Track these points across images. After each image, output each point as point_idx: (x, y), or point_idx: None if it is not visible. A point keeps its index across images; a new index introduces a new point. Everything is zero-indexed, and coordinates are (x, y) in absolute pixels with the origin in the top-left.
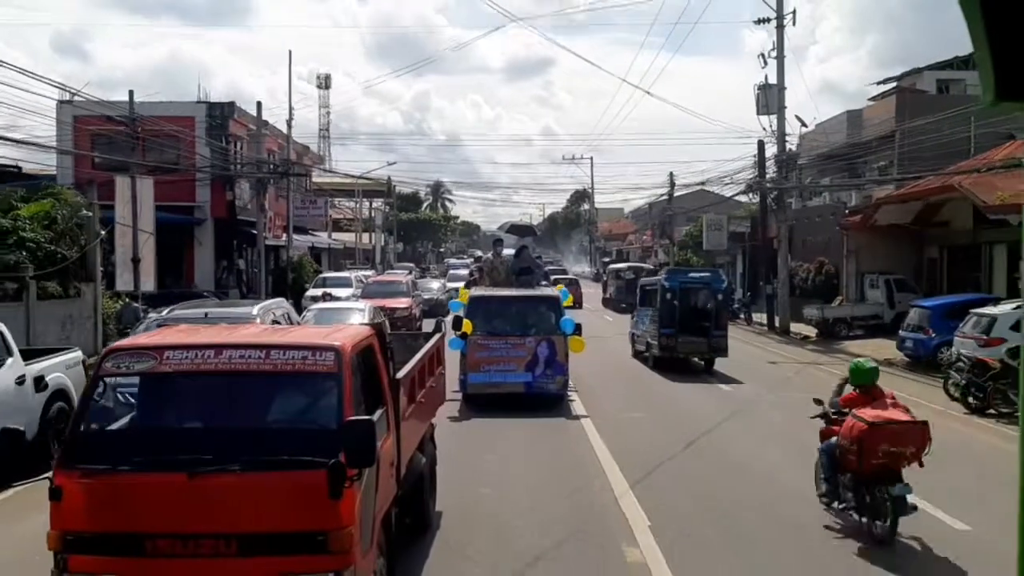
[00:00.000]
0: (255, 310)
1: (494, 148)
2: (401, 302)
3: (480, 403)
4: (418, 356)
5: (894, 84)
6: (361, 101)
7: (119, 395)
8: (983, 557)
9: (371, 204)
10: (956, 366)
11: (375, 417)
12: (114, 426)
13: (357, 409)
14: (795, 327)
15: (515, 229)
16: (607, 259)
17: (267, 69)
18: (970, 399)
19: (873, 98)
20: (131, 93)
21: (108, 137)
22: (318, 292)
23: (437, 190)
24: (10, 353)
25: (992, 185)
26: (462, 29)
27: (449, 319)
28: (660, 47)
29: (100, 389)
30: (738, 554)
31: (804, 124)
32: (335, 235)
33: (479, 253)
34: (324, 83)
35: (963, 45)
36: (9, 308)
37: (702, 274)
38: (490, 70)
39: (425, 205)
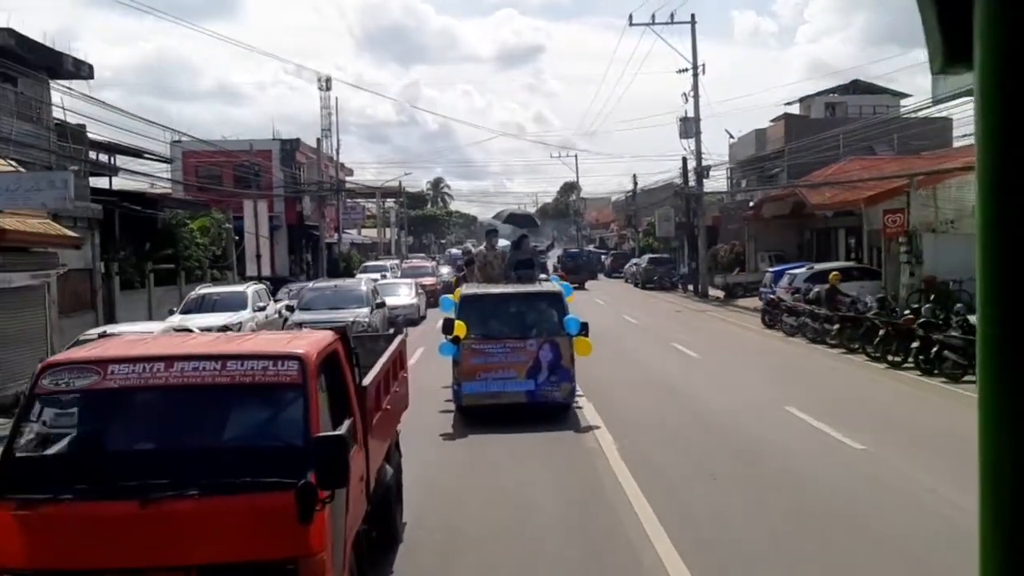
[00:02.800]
0: (363, 284)
1: (486, 136)
2: (428, 280)
3: (476, 416)
4: (383, 360)
5: (784, 112)
6: (351, 93)
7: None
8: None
9: (384, 203)
10: (767, 303)
11: (343, 429)
12: (52, 450)
13: (324, 423)
14: (712, 292)
15: (514, 218)
16: (591, 245)
17: (254, 62)
18: (767, 320)
19: (773, 119)
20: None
21: (208, 167)
22: (368, 276)
23: (437, 186)
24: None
25: (821, 192)
26: (451, 17)
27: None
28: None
29: (36, 409)
30: None
31: (731, 136)
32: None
33: (469, 245)
34: (325, 85)
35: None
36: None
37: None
38: (480, 59)
39: (429, 204)
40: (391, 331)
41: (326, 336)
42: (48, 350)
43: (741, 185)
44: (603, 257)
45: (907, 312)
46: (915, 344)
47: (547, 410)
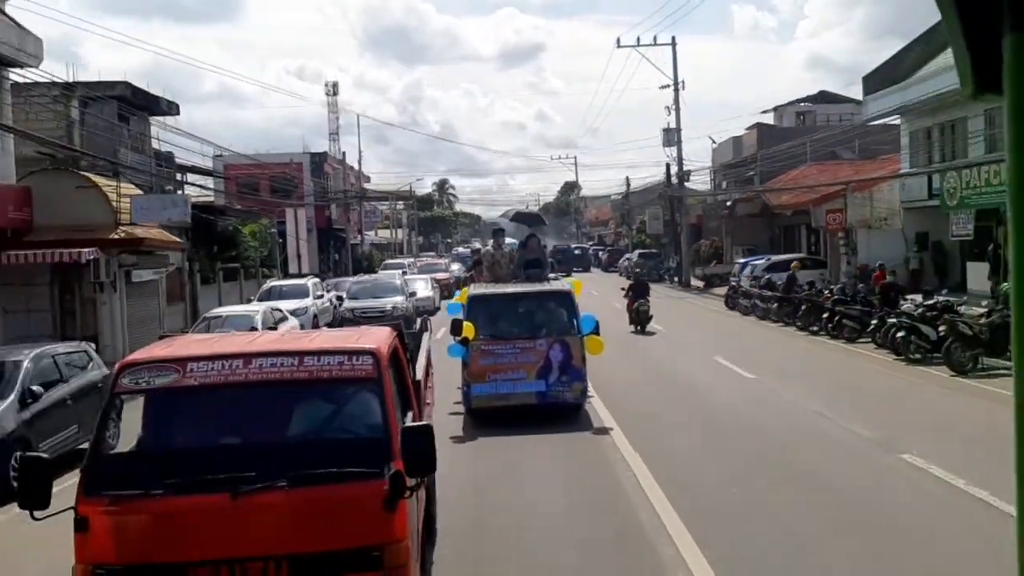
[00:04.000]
0: (396, 278)
1: (488, 135)
2: (441, 275)
3: (486, 418)
4: (423, 355)
5: (757, 118)
6: (353, 93)
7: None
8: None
9: (397, 206)
10: (729, 289)
11: (408, 420)
12: (139, 447)
13: (398, 414)
14: (694, 282)
15: (521, 217)
16: (590, 242)
17: (257, 65)
18: (728, 303)
19: (748, 127)
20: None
21: (246, 178)
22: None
23: (443, 187)
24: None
25: (779, 195)
26: (452, 16)
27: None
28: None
29: (118, 407)
30: None
31: (713, 141)
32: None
33: (477, 244)
34: (332, 90)
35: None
36: (231, 285)
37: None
38: (481, 58)
39: (435, 206)
40: (417, 327)
41: (387, 332)
42: (160, 329)
43: (722, 186)
44: (600, 252)
45: (831, 293)
46: (825, 315)
47: (559, 411)
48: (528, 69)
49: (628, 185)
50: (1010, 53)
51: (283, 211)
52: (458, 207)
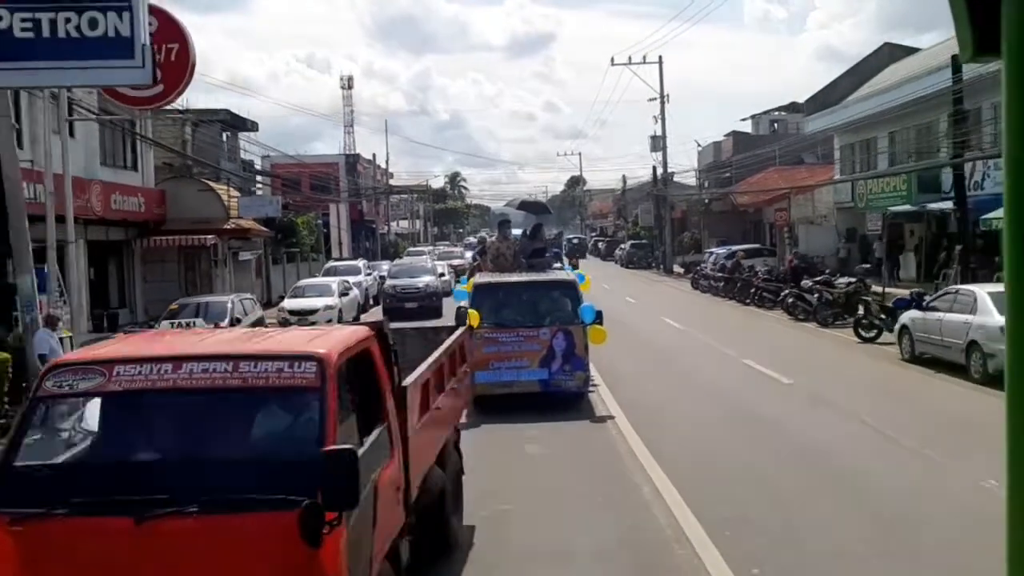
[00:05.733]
0: (428, 261)
1: (497, 125)
2: (457, 262)
3: (489, 406)
4: (434, 356)
5: (736, 126)
6: (363, 82)
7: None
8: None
9: (413, 199)
10: (695, 273)
11: (373, 437)
12: (52, 459)
13: (348, 431)
14: (677, 269)
15: (526, 206)
16: (594, 233)
17: (264, 52)
18: (694, 284)
19: (726, 134)
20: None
21: (290, 177)
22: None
23: (454, 180)
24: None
25: (743, 195)
26: (461, 5)
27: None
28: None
29: (39, 414)
30: None
31: (699, 144)
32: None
33: (483, 234)
34: (347, 84)
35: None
36: (294, 266)
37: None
38: (491, 48)
39: (447, 200)
40: (455, 323)
41: (358, 332)
42: (259, 297)
43: (705, 186)
44: (599, 243)
45: (759, 275)
46: (752, 290)
47: (561, 399)
48: (537, 59)
49: (624, 182)
50: (1009, 14)
51: (326, 205)
52: (469, 199)
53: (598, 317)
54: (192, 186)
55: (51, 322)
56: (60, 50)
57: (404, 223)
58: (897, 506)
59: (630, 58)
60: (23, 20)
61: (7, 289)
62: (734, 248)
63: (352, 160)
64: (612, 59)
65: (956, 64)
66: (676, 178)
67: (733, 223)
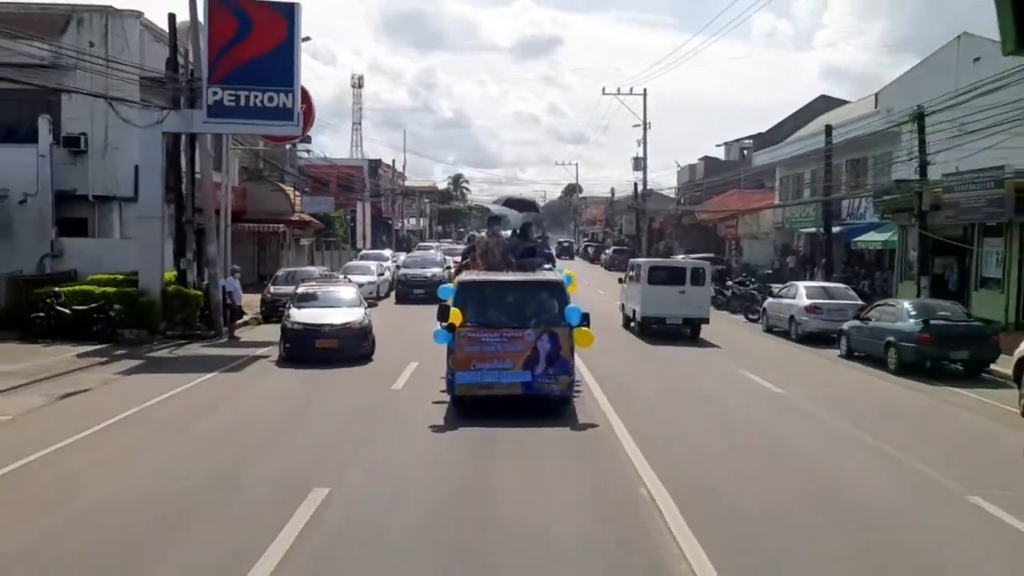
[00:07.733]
0: (437, 254)
1: (500, 126)
2: (458, 257)
3: (470, 408)
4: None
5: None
6: (368, 78)
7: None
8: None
9: (421, 199)
10: None
11: None
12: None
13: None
14: None
15: (513, 203)
16: (586, 238)
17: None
18: None
19: (701, 158)
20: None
21: (321, 177)
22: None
23: (457, 181)
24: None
25: (704, 212)
26: (469, 6)
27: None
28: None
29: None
30: None
31: (679, 165)
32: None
33: (473, 231)
34: (358, 83)
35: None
36: (329, 252)
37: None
38: (498, 49)
39: (451, 200)
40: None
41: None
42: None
43: (681, 202)
44: (588, 248)
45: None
46: None
47: (544, 403)
48: (543, 62)
49: (612, 194)
50: None
51: (353, 203)
52: (470, 200)
53: (584, 319)
54: (266, 185)
55: (234, 272)
56: (250, 113)
57: (412, 221)
58: (804, 463)
59: (618, 89)
60: (229, 95)
61: (197, 254)
62: (691, 257)
63: (374, 164)
64: (603, 89)
65: (828, 129)
66: (663, 191)
67: (699, 235)
